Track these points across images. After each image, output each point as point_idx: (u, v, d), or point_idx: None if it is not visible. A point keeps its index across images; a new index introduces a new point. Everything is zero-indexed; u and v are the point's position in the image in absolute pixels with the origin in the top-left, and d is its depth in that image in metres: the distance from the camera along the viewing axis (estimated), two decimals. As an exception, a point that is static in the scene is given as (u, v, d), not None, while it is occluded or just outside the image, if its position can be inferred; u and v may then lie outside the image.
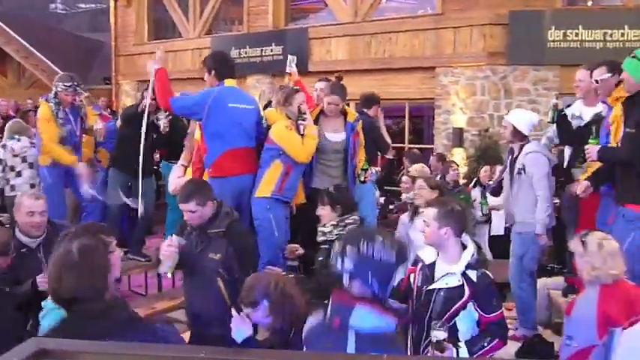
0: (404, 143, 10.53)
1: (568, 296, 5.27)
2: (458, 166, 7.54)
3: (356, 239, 2.30)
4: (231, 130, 4.66)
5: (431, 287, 3.15)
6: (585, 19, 9.24)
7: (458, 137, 9.50)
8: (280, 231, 4.65)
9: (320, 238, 4.18)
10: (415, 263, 3.33)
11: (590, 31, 9.13)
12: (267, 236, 4.59)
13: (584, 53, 8.79)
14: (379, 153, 6.47)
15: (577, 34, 9.17)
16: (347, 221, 4.12)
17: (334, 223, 4.13)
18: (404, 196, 6.62)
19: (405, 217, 5.28)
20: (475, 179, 7.63)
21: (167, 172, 6.28)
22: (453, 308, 3.08)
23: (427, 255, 3.31)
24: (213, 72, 4.78)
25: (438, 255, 3.26)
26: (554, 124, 5.07)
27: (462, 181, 8.32)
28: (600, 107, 4.82)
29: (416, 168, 6.56)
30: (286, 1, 11.90)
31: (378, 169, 6.03)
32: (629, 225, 3.96)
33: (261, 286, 3.09)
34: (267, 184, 4.64)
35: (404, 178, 6.63)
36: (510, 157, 5.22)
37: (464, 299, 3.08)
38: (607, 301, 3.14)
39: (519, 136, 5.06)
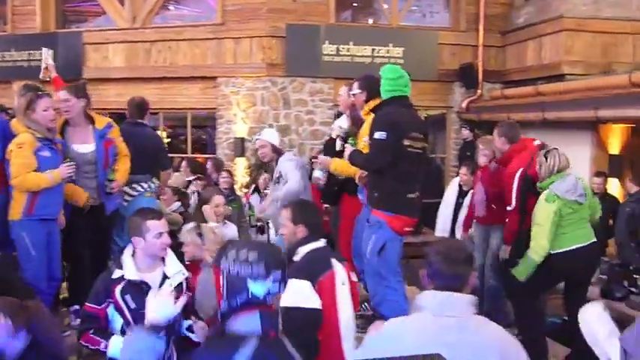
0: (187, 153, 10.35)
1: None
2: (230, 173, 7.58)
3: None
4: None
5: None
6: (356, 36, 9.86)
7: (239, 147, 9.55)
8: (39, 250, 4.38)
9: None
10: None
11: (359, 47, 9.77)
12: (25, 256, 4.36)
13: (354, 67, 9.36)
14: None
15: (348, 50, 9.75)
16: None
17: None
18: (171, 207, 6.48)
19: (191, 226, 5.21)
20: (254, 187, 7.70)
21: None
22: None
23: None
24: None
25: None
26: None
27: (244, 190, 8.40)
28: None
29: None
30: (57, 3, 11.06)
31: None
32: (370, 229, 4.21)
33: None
34: (15, 207, 4.35)
35: (165, 189, 6.41)
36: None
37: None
38: None
39: (277, 151, 5.35)
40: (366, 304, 4.90)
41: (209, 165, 8.00)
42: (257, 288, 2.14)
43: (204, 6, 11.08)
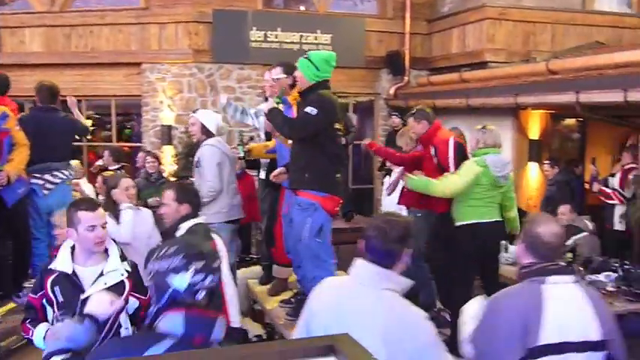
0: (111, 141, 10.05)
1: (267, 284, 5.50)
2: (157, 157, 7.45)
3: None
4: None
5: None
6: (284, 22, 9.80)
7: (167, 135, 9.35)
8: None
9: None
10: None
11: (287, 34, 9.72)
12: None
13: (283, 54, 9.28)
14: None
15: (276, 36, 9.69)
16: None
17: None
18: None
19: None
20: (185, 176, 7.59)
21: None
22: None
23: None
24: None
25: None
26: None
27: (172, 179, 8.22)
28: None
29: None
30: (-32, -16, 10.50)
31: None
32: (304, 212, 4.19)
33: None
34: None
35: (98, 177, 6.26)
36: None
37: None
38: None
39: (207, 134, 5.19)
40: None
41: (106, 154, 7.82)
42: (178, 281, 2.11)
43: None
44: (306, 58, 4.25)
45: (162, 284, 2.13)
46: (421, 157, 5.28)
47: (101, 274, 2.95)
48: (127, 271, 3.01)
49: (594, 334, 2.37)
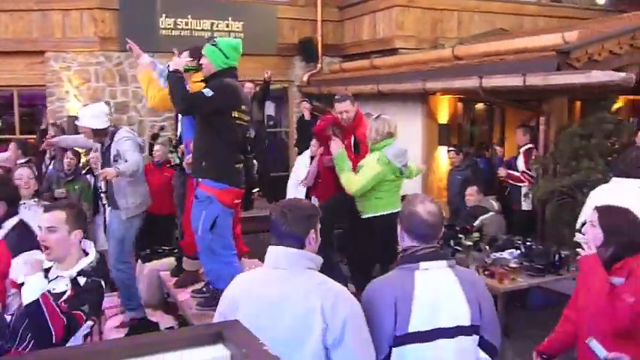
0: (14, 134, 9.58)
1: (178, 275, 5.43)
2: (77, 153, 7.20)
3: None
4: None
5: None
6: (194, 9, 9.62)
7: (73, 126, 8.99)
8: None
9: None
10: None
11: (199, 21, 9.56)
12: None
13: (193, 41, 9.00)
14: None
15: (187, 23, 9.51)
16: None
17: None
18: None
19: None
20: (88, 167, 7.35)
21: None
22: None
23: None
24: None
25: None
26: None
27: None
28: None
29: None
30: None
31: None
32: (200, 205, 4.13)
33: None
34: None
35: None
36: (101, 146, 5.17)
37: None
38: None
39: (103, 133, 5.10)
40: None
41: (12, 147, 7.46)
42: None
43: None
44: (213, 44, 4.19)
45: None
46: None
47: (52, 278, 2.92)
48: (76, 283, 2.91)
49: (465, 318, 2.38)
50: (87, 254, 3.04)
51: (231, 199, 4.17)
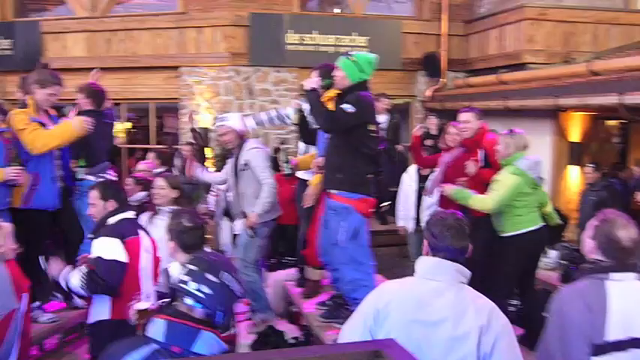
0: (149, 143, 10.20)
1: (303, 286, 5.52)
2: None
3: (217, 267, 2.23)
4: None
5: None
6: (320, 25, 9.82)
7: (204, 137, 9.45)
8: None
9: None
10: None
11: (324, 36, 9.74)
12: None
13: (319, 56, 9.30)
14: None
15: (312, 39, 9.71)
16: None
17: None
18: (134, 197, 6.34)
19: (145, 216, 5.01)
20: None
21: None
22: None
23: (175, 269, 3.21)
24: None
25: None
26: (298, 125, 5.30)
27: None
28: None
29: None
30: (14, -9, 10.79)
31: None
32: (338, 216, 4.18)
33: None
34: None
35: (127, 179, 6.38)
36: (232, 157, 5.36)
37: None
38: None
39: (242, 137, 5.28)
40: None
41: (151, 155, 7.88)
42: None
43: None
44: (349, 58, 4.24)
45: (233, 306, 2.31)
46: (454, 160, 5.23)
47: None
48: None
49: None
50: None
51: (367, 209, 4.22)
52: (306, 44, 9.71)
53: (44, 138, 4.39)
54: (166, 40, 9.85)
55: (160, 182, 4.89)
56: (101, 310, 3.53)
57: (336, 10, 10.90)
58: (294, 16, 9.77)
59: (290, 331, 5.44)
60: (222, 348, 2.17)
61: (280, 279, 6.01)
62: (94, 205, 3.72)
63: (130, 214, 3.77)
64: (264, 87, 9.71)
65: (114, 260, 3.43)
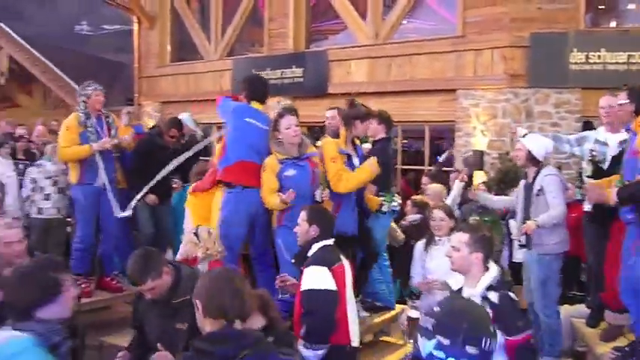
0: (423, 165, 10.46)
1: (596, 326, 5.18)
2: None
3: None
4: (242, 142, 4.85)
5: None
6: (608, 42, 9.13)
7: (479, 160, 9.39)
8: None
9: None
10: None
11: (613, 54, 9.02)
12: (282, 261, 4.71)
13: (607, 76, 8.72)
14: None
15: (600, 57, 9.06)
16: None
17: None
18: (409, 217, 6.56)
19: (420, 246, 5.17)
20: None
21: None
22: None
23: (455, 282, 3.31)
24: (244, 93, 5.09)
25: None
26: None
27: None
28: (624, 134, 4.74)
29: (433, 189, 6.64)
30: (307, 24, 11.94)
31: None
32: None
33: None
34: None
35: (408, 201, 6.63)
36: (525, 181, 5.20)
37: None
38: None
39: (533, 162, 5.05)
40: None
41: (424, 178, 7.94)
42: None
43: (440, 19, 11.10)
44: None
45: None
46: None
47: None
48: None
49: None
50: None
51: None
52: (592, 63, 9.07)
53: (348, 181, 4.78)
54: (444, 63, 10.03)
55: (439, 214, 4.97)
56: None
57: (628, 25, 10.02)
58: (579, 34, 9.22)
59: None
60: None
61: (567, 314, 5.69)
62: (300, 226, 3.82)
63: (330, 241, 3.80)
64: (543, 109, 9.32)
65: (321, 290, 3.48)
